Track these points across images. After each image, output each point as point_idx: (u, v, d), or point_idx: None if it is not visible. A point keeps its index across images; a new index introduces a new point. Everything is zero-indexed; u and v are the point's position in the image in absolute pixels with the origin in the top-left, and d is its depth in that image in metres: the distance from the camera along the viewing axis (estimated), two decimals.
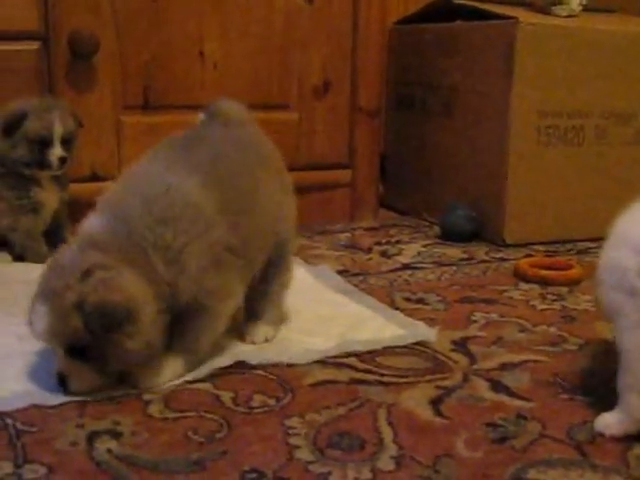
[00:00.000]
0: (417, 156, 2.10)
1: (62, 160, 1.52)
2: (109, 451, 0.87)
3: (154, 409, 0.97)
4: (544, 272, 1.53)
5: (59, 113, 1.51)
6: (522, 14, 1.80)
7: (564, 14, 1.90)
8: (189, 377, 1.05)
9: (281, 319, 1.22)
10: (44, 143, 1.51)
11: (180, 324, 1.03)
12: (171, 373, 1.04)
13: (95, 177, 1.73)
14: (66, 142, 1.53)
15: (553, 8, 1.90)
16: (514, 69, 1.75)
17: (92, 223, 1.02)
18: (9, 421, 0.93)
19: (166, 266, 0.99)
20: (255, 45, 1.86)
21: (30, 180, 1.55)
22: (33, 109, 1.51)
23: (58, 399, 0.98)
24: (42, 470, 0.83)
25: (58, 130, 1.50)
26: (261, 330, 1.18)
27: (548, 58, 1.77)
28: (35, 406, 0.97)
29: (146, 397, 1.00)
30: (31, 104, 1.52)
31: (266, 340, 1.17)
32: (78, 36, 1.65)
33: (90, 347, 0.96)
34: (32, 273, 1.41)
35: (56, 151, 1.52)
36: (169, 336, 1.03)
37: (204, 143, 1.13)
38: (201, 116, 1.23)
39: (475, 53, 1.87)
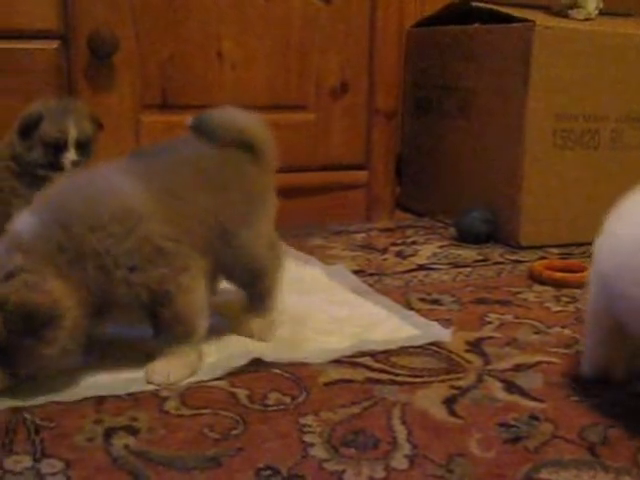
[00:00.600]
0: (433, 158, 2.11)
1: (75, 164, 1.53)
2: (126, 447, 0.88)
3: (170, 406, 0.98)
4: (558, 274, 1.54)
5: (75, 117, 1.52)
6: (539, 17, 1.80)
7: (581, 17, 1.90)
8: (205, 376, 1.06)
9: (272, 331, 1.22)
10: (58, 147, 1.52)
11: (156, 319, 1.04)
12: (185, 368, 1.05)
13: None
14: (81, 146, 1.54)
15: (570, 11, 1.90)
16: (531, 72, 1.75)
17: (24, 221, 1.00)
18: (27, 416, 0.94)
19: (95, 271, 0.99)
20: (273, 46, 1.87)
21: (47, 179, 1.56)
22: (49, 112, 1.52)
23: (75, 395, 1.00)
24: (60, 465, 0.84)
25: (73, 134, 1.50)
26: (257, 327, 1.20)
27: (565, 61, 1.77)
28: (53, 402, 0.98)
29: (162, 394, 1.01)
30: (47, 107, 1.53)
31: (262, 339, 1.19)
32: (98, 35, 1.67)
33: (4, 348, 0.95)
34: None
35: (70, 155, 1.53)
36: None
37: (172, 151, 1.14)
38: (189, 120, 1.21)
39: (492, 56, 1.87)
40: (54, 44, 1.67)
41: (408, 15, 2.16)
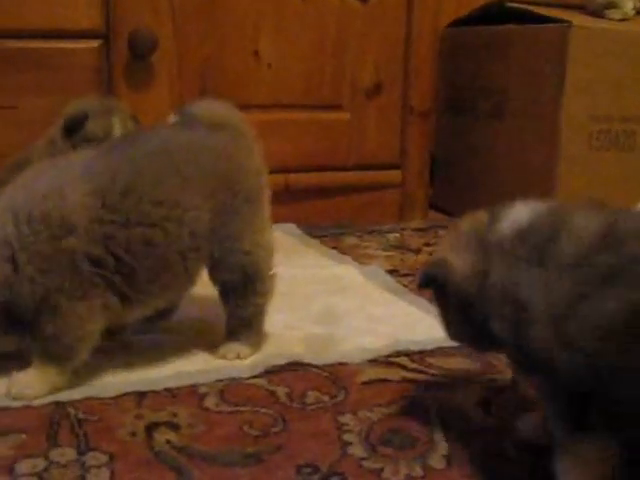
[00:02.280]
0: (467, 158, 2.11)
1: None
2: (168, 442, 0.90)
3: (210, 402, 1.00)
4: None
5: (119, 116, 1.54)
6: (575, 18, 1.80)
7: (617, 17, 1.89)
8: (244, 374, 1.07)
9: (259, 342, 1.16)
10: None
11: (37, 328, 1.01)
12: (44, 384, 1.01)
13: None
14: None
15: (606, 12, 1.90)
16: (566, 73, 1.75)
17: None
18: (71, 410, 0.97)
19: (4, 263, 0.99)
20: (309, 45, 1.88)
21: None
22: (94, 111, 1.54)
23: (115, 390, 1.02)
24: (104, 458, 0.86)
25: (117, 133, 1.53)
26: (235, 348, 1.13)
27: (601, 62, 1.77)
28: (94, 397, 1.00)
29: (202, 390, 1.03)
30: (92, 106, 1.55)
31: (238, 357, 1.13)
32: (138, 35, 1.69)
33: None
34: None
35: None
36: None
37: (132, 146, 1.10)
38: (172, 117, 1.19)
39: (527, 56, 1.87)
40: (95, 43, 1.70)
41: (443, 15, 2.16)
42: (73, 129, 1.52)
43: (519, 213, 0.87)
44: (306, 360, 1.11)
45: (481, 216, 0.93)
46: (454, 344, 1.18)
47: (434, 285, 0.93)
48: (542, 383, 0.83)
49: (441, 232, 1.94)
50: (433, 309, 1.32)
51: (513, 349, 0.85)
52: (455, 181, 2.17)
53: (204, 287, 1.15)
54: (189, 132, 1.13)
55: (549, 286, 0.78)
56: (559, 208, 0.86)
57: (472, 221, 0.93)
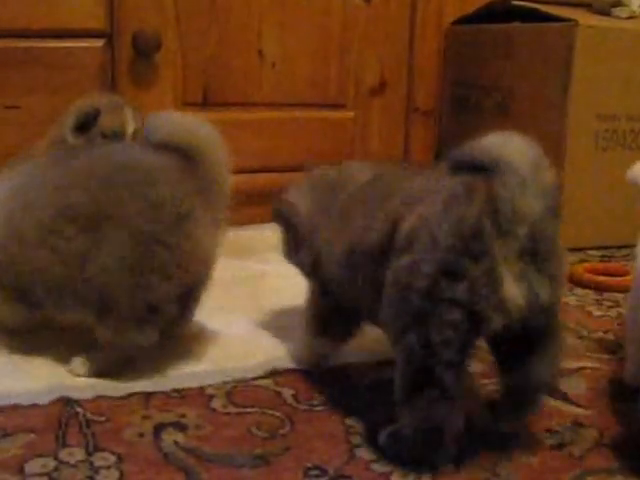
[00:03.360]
0: None
1: None
2: (176, 443, 0.90)
3: (217, 403, 0.99)
4: (600, 278, 1.53)
5: (130, 110, 1.54)
6: (581, 16, 1.79)
7: (624, 16, 1.88)
8: (249, 374, 1.07)
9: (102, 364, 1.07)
10: (118, 139, 1.55)
11: None
12: None
13: None
14: (134, 138, 1.57)
15: (613, 10, 1.89)
16: (572, 72, 1.74)
17: None
18: (79, 410, 0.96)
19: None
20: (313, 44, 1.88)
21: None
22: (105, 106, 1.54)
23: (123, 390, 1.02)
24: (112, 458, 0.86)
25: (130, 126, 1.53)
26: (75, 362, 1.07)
27: (607, 60, 1.76)
28: (102, 396, 1.00)
29: (209, 391, 1.03)
30: (102, 102, 1.55)
31: (71, 372, 1.06)
32: (142, 34, 1.69)
33: None
34: None
35: None
36: None
37: (61, 164, 1.11)
38: None
39: (532, 55, 1.86)
40: (100, 42, 1.69)
41: (448, 13, 2.15)
42: (85, 125, 1.53)
43: (347, 170, 1.09)
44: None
45: (328, 170, 1.13)
46: None
47: (280, 219, 1.15)
48: None
49: None
50: None
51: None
52: None
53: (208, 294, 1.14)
54: (128, 151, 1.13)
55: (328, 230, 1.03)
56: (362, 167, 1.09)
57: (320, 174, 1.13)
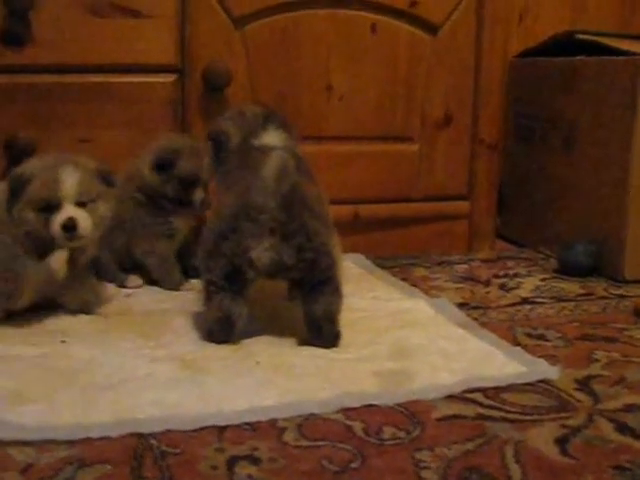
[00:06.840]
0: (535, 188, 2.10)
1: (202, 202, 1.60)
2: (249, 477, 0.91)
3: (289, 437, 1.01)
4: None
5: (207, 159, 1.58)
6: None
7: None
8: (318, 410, 1.08)
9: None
10: (192, 184, 1.59)
11: None
12: None
13: None
14: (205, 184, 1.61)
15: None
16: (637, 104, 1.74)
17: None
18: (153, 442, 0.99)
19: None
20: (380, 77, 1.90)
21: (172, 212, 1.63)
22: (185, 150, 1.59)
23: (194, 424, 1.03)
24: None
25: (205, 173, 1.57)
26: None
27: None
28: (175, 430, 1.02)
29: (280, 424, 1.04)
30: (183, 144, 1.60)
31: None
32: (213, 69, 1.73)
33: None
34: (166, 302, 1.49)
35: (199, 192, 1.60)
36: None
37: None
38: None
39: (597, 88, 1.86)
40: (171, 77, 1.74)
41: (512, 46, 2.17)
42: (166, 166, 1.57)
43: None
44: (382, 402, 1.12)
45: (255, 108, 1.50)
46: (528, 380, 1.20)
47: (215, 142, 1.44)
48: None
49: (510, 263, 1.94)
50: (504, 344, 1.34)
51: None
52: (523, 211, 2.16)
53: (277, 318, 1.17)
54: None
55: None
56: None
57: (252, 108, 1.50)
